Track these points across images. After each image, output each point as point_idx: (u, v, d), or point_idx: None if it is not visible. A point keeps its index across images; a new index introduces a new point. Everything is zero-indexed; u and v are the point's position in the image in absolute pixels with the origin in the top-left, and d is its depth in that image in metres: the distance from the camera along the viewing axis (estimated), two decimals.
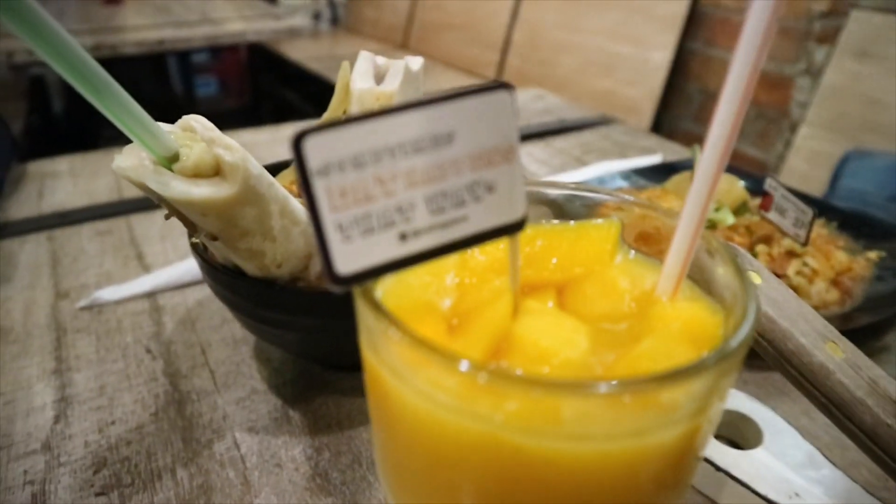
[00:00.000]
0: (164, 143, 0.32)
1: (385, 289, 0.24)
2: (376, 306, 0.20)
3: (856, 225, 0.68)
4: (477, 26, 2.49)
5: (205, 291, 0.61)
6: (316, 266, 0.42)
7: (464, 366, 0.17)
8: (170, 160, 0.33)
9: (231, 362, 0.52)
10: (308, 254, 0.42)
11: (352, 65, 0.48)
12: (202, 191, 0.33)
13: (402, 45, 2.82)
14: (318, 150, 0.18)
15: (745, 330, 0.19)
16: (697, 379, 0.18)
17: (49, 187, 0.84)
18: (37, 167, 0.90)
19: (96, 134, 2.32)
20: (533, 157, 0.94)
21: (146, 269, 0.65)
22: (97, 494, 0.41)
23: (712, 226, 0.62)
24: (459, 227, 0.20)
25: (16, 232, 0.72)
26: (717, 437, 0.44)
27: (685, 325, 0.22)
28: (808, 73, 1.59)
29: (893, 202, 1.17)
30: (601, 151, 0.96)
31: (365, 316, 0.21)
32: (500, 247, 0.24)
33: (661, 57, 1.84)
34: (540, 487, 0.19)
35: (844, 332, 0.53)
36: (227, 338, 0.55)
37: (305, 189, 0.19)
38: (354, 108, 0.47)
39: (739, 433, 0.46)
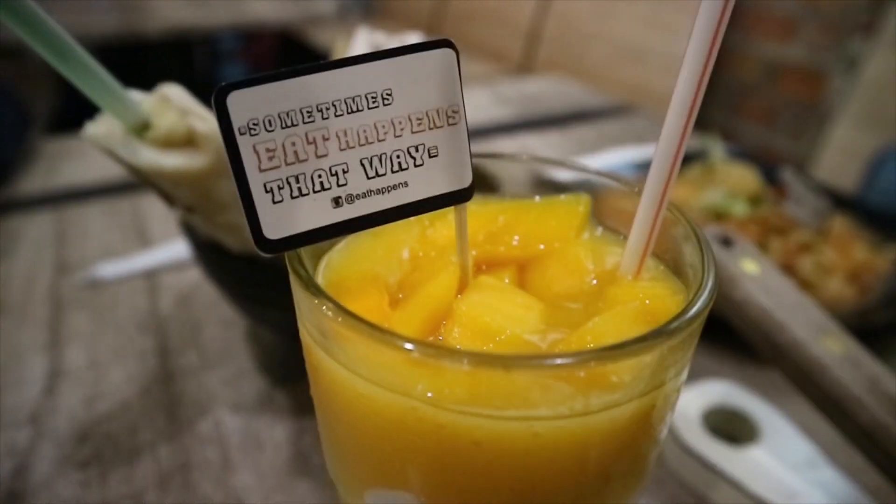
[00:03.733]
0: (132, 111, 0.31)
1: (332, 260, 0.23)
2: (301, 275, 0.19)
3: (881, 220, 0.65)
4: (507, 15, 2.46)
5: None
6: None
7: (376, 335, 0.16)
8: (141, 129, 0.32)
9: (222, 342, 0.52)
10: None
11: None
12: (173, 160, 0.32)
13: (432, 33, 2.80)
14: (243, 105, 0.17)
15: (695, 307, 0.18)
16: (634, 356, 0.16)
17: (61, 164, 0.84)
18: (52, 144, 0.91)
19: None
20: (549, 143, 0.92)
21: (147, 246, 0.65)
22: (77, 468, 0.41)
23: (724, 216, 0.60)
24: (399, 193, 0.19)
25: (24, 207, 0.72)
26: (711, 433, 0.42)
27: (642, 304, 0.20)
28: (845, 66, 1.53)
29: None
30: (619, 140, 0.93)
31: (293, 284, 0.20)
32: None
33: None
34: (472, 469, 0.18)
35: (861, 330, 0.51)
36: (220, 318, 0.55)
37: (229, 147, 0.18)
38: None
39: (736, 430, 0.44)
